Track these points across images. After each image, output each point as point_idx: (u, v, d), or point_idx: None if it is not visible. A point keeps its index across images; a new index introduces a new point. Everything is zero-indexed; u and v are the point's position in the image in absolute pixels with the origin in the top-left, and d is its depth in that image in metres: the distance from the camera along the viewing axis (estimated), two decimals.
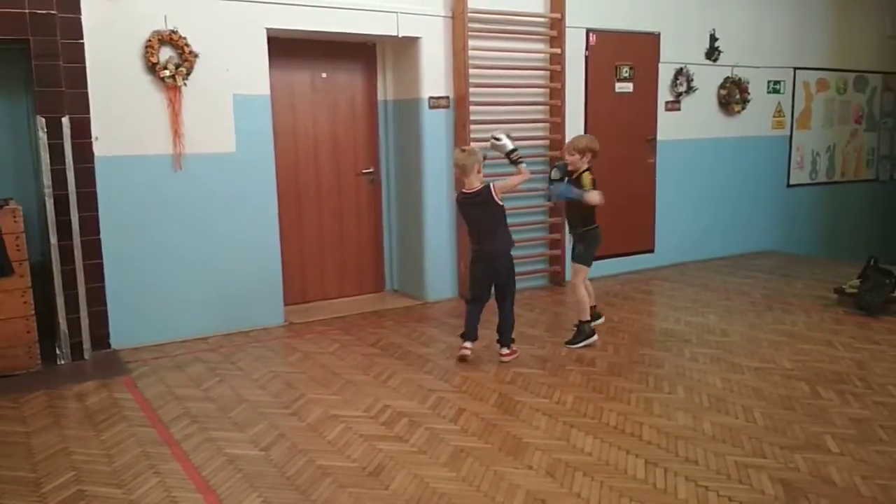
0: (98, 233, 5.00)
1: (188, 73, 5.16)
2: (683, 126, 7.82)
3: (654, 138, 7.63)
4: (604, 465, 3.34)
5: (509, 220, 4.80)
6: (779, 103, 8.68)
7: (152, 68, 5.06)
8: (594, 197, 4.82)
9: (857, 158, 9.66)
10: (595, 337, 5.12)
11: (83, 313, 4.91)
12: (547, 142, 6.84)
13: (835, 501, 2.99)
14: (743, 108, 8.20)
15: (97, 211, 4.99)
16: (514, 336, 4.91)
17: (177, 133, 5.20)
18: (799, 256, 8.45)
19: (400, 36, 6.09)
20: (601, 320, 5.36)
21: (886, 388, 4.25)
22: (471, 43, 6.22)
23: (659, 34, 7.52)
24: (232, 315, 5.56)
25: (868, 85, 9.59)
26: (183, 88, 5.18)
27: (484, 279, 4.81)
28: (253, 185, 5.58)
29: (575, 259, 5.14)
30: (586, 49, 7.04)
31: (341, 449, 3.55)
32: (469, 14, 6.17)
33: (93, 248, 4.98)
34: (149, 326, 5.24)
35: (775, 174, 8.81)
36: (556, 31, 6.70)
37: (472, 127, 6.28)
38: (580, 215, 5.01)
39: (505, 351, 4.85)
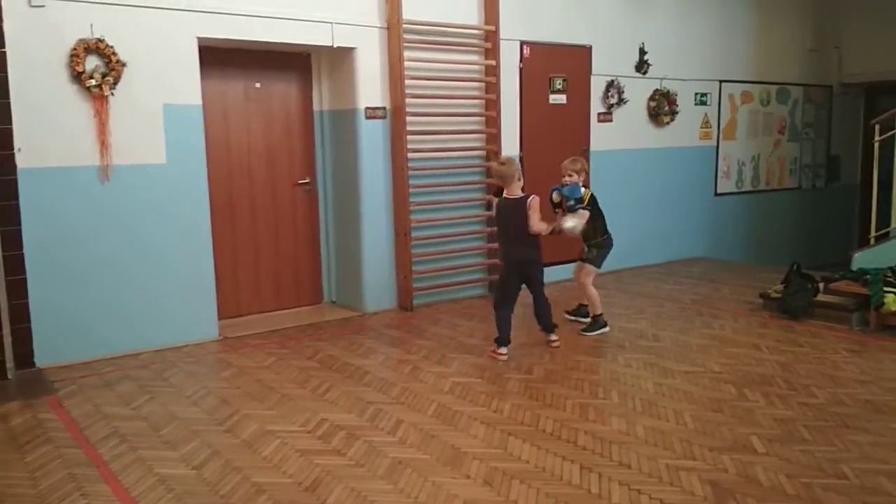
0: (21, 248, 4.82)
1: (115, 83, 5.03)
2: (615, 137, 8.00)
3: (588, 149, 7.78)
4: (540, 472, 3.38)
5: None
6: (706, 115, 8.96)
7: (78, 77, 4.91)
8: (586, 214, 5.27)
9: (780, 168, 10.02)
10: (608, 328, 5.63)
11: (6, 331, 4.72)
12: (483, 152, 6.88)
13: (761, 500, 3.09)
14: (672, 120, 8.44)
15: (20, 225, 4.81)
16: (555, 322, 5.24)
17: (104, 144, 5.06)
18: (726, 263, 8.72)
19: (335, 46, 6.06)
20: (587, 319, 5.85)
21: (809, 388, 4.42)
22: (407, 54, 6.24)
23: (591, 47, 7.68)
24: (164, 330, 5.42)
25: (790, 97, 9.98)
26: (110, 98, 5.04)
27: (511, 286, 5.04)
28: (184, 196, 5.47)
29: (587, 261, 5.69)
30: (520, 61, 7.15)
31: (277, 465, 3.50)
32: (404, 25, 6.19)
33: (16, 264, 4.79)
34: (76, 344, 5.07)
35: (703, 183, 9.09)
36: (490, 43, 6.78)
37: (409, 138, 6.30)
38: (595, 227, 5.50)
39: (553, 337, 5.22)
